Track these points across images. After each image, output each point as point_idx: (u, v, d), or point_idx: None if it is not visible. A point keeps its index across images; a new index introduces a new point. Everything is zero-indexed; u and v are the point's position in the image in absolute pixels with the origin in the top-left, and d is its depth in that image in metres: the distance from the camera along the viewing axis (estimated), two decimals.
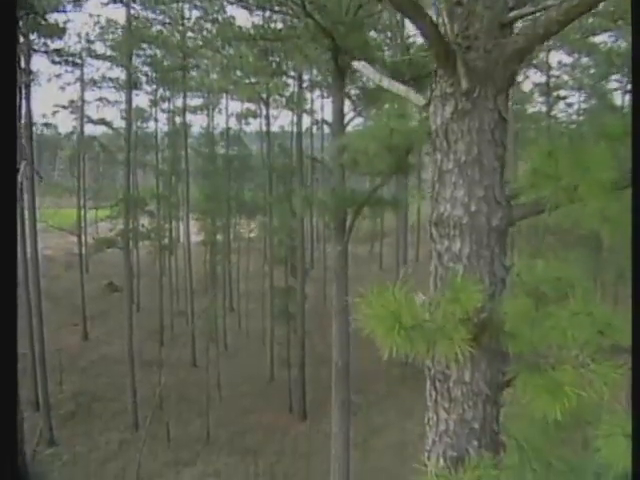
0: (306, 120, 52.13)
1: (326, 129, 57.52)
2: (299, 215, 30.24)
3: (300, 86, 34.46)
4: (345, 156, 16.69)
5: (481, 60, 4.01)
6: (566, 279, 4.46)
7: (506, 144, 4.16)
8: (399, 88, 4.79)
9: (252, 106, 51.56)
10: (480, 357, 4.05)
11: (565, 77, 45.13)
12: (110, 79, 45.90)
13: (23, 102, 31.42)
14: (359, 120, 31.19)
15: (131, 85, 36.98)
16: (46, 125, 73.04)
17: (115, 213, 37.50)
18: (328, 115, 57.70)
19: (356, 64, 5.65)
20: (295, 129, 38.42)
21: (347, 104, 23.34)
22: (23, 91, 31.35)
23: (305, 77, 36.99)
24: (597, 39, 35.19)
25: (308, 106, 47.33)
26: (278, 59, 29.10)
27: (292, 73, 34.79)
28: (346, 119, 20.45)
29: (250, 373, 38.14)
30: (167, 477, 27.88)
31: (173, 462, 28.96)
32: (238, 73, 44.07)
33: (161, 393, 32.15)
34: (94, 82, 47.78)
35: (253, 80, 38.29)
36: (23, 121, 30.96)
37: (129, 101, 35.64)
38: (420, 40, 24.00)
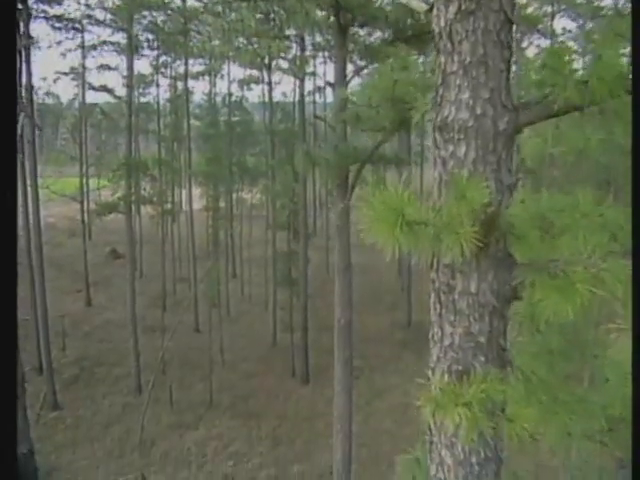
0: (309, 85, 51.85)
1: (329, 97, 57.29)
2: (302, 173, 29.94)
3: (302, 49, 33.99)
4: (347, 111, 16.50)
5: None
6: (573, 210, 4.30)
7: (512, 48, 3.98)
8: None
9: (254, 72, 51.17)
10: (487, 267, 3.89)
11: (570, 43, 44.70)
12: (111, 43, 45.52)
13: (23, 65, 31.14)
14: (360, 81, 30.96)
15: (132, 50, 36.58)
16: (48, 94, 72.71)
17: (117, 178, 37.23)
18: (330, 81, 57.32)
19: None
20: (298, 91, 37.98)
21: (350, 68, 23.05)
22: (23, 54, 31.05)
23: (307, 43, 36.50)
24: (603, 3, 34.81)
25: (310, 69, 46.92)
26: (279, 23, 28.75)
27: (294, 38, 34.39)
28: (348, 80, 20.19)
29: (253, 338, 38.14)
30: (170, 440, 27.90)
31: (176, 425, 28.98)
32: (240, 39, 43.77)
33: (164, 358, 32.15)
34: (94, 47, 47.40)
35: (255, 45, 37.97)
36: (24, 87, 30.70)
37: (130, 67, 35.22)
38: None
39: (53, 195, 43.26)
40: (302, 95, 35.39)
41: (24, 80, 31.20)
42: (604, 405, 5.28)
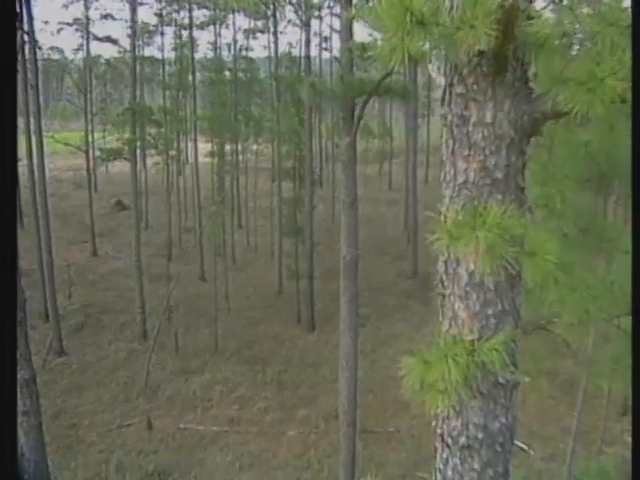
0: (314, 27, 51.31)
1: (334, 52, 56.73)
2: (307, 104, 29.44)
3: None
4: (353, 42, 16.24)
5: None
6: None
7: None
8: None
9: (260, 23, 50.76)
10: (503, 95, 3.61)
11: None
12: None
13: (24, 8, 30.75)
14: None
15: None
16: (52, 49, 72.09)
17: (122, 123, 36.87)
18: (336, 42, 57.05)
19: None
20: (304, 36, 37.34)
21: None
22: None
23: None
24: None
25: (316, 14, 46.32)
26: None
27: None
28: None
29: (258, 286, 38.01)
30: (175, 385, 27.87)
31: (181, 370, 28.93)
32: None
33: (169, 305, 31.98)
34: None
35: None
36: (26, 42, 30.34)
37: (133, 9, 34.59)
38: None
39: (58, 146, 42.99)
40: (308, 38, 34.82)
41: (25, 25, 30.81)
42: (621, 284, 5.03)
